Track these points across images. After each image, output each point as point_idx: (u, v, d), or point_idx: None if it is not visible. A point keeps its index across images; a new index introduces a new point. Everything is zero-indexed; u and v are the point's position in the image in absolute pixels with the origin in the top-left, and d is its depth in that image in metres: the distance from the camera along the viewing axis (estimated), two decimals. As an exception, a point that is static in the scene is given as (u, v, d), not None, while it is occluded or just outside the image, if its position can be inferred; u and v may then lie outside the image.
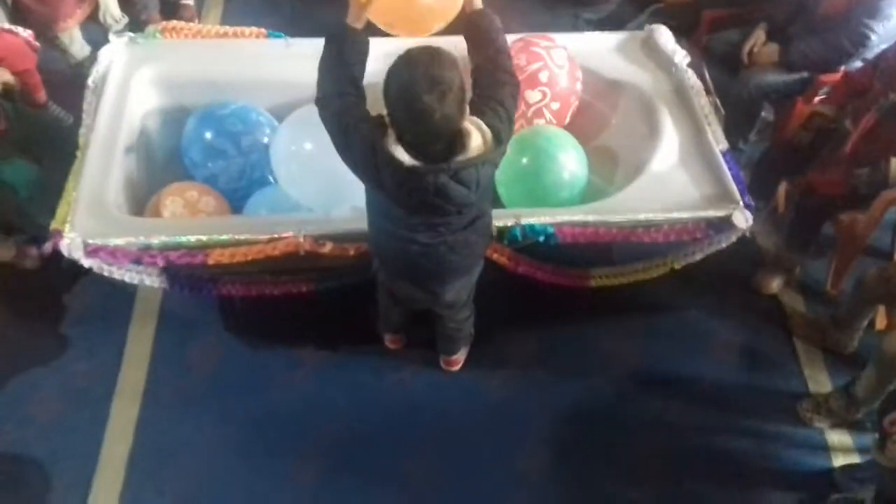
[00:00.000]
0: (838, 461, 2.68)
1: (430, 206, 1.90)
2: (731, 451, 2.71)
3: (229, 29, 3.09)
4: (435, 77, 1.72)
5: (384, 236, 2.16)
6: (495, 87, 1.97)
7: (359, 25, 2.01)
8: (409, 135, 1.80)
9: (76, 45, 3.61)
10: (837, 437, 2.74)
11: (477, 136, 1.84)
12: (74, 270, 2.65)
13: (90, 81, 2.82)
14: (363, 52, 2.01)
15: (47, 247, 2.82)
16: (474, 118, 1.87)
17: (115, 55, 2.91)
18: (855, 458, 2.68)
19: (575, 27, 4.14)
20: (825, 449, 2.72)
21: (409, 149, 1.80)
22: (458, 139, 1.82)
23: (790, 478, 2.66)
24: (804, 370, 2.92)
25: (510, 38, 2.85)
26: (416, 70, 1.73)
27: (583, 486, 2.61)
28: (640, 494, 2.60)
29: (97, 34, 3.71)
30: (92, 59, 3.55)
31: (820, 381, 2.90)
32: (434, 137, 1.79)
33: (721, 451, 2.71)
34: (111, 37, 2.97)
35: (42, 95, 3.37)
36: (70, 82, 3.54)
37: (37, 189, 2.82)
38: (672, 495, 2.61)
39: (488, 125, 1.86)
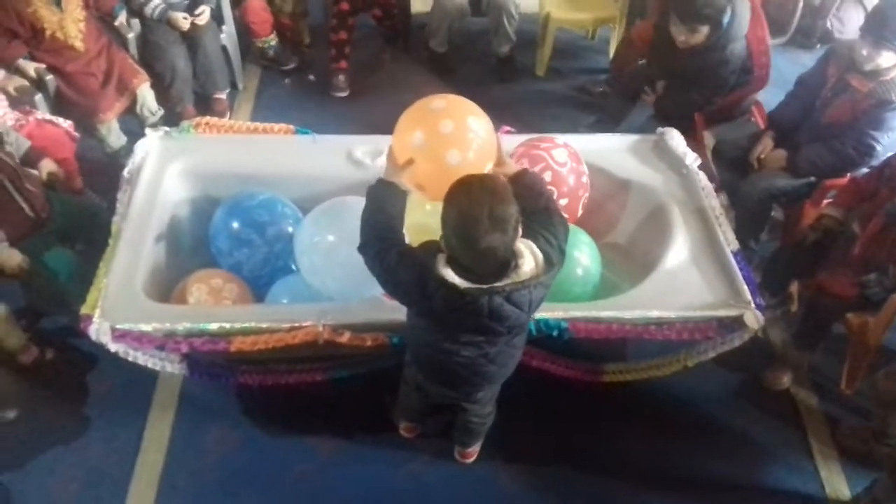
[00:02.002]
0: (856, 566, 2.64)
1: (482, 328, 1.95)
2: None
3: (259, 125, 3.24)
4: (498, 217, 1.78)
5: (425, 348, 2.21)
6: (549, 225, 2.05)
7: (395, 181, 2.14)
8: (464, 259, 1.85)
9: (113, 135, 3.79)
10: (855, 543, 2.70)
11: (529, 258, 1.89)
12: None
13: (126, 172, 2.95)
14: (401, 203, 2.12)
15: (49, 354, 3.01)
16: (527, 241, 1.93)
17: (150, 148, 3.06)
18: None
19: (583, 127, 4.26)
20: (843, 553, 2.69)
21: (461, 271, 1.86)
22: (512, 262, 1.88)
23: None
24: (820, 471, 2.89)
25: (512, 140, 3.01)
26: (479, 210, 1.78)
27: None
28: None
29: (133, 125, 3.89)
30: (128, 148, 3.74)
31: (836, 483, 2.87)
32: (489, 264, 1.86)
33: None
34: (147, 130, 3.12)
35: (79, 182, 3.53)
36: (105, 170, 3.70)
37: (75, 275, 2.91)
38: None
39: (540, 248, 1.93)
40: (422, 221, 2.61)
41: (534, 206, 2.07)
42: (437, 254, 1.90)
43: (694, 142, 3.57)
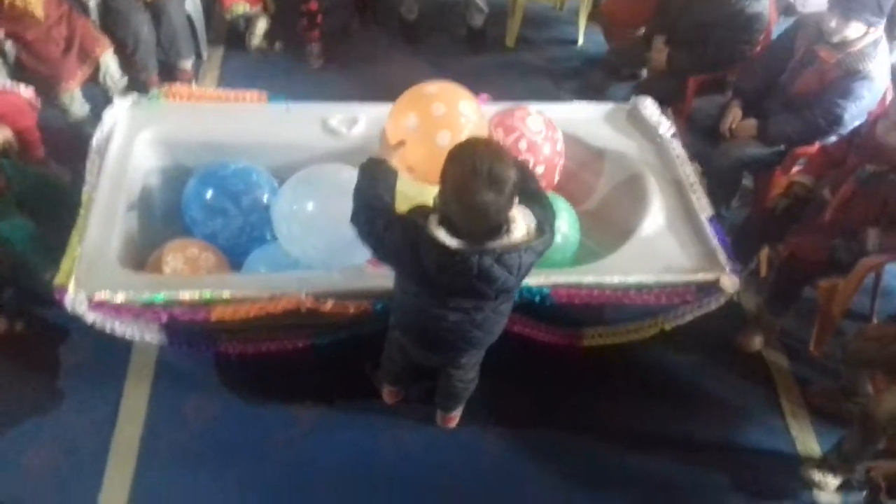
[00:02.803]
0: (828, 520, 2.73)
1: (471, 290, 1.96)
2: (723, 511, 2.76)
3: (231, 93, 3.18)
4: (496, 176, 1.80)
5: (412, 314, 2.23)
6: (542, 207, 2.13)
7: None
8: (458, 219, 1.87)
9: (76, 104, 3.67)
10: (828, 497, 2.78)
11: (522, 224, 1.94)
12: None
13: (94, 141, 2.87)
14: (391, 178, 2.18)
15: (18, 326, 2.96)
16: (522, 208, 1.98)
17: (119, 116, 2.98)
18: (845, 517, 2.73)
19: (556, 97, 4.29)
20: (815, 508, 2.78)
21: (453, 231, 1.88)
22: (504, 225, 1.91)
23: (781, 536, 2.70)
24: (791, 429, 2.98)
25: (490, 110, 3.01)
26: (481, 166, 1.80)
27: (576, 546, 2.64)
28: (634, 554, 2.63)
29: (96, 93, 3.78)
30: (91, 117, 3.66)
31: (807, 441, 2.96)
32: (483, 224, 1.88)
33: (713, 512, 2.75)
34: (115, 98, 3.04)
35: (40, 152, 3.42)
36: (68, 140, 3.61)
37: (33, 245, 2.84)
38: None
39: (533, 216, 1.99)
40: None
41: (526, 189, 2.12)
42: (429, 215, 1.94)
43: (680, 107, 3.63)
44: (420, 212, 2.00)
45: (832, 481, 2.76)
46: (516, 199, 1.92)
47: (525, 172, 2.23)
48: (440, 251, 1.88)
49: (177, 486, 2.62)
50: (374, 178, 2.14)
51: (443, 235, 1.88)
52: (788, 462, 2.88)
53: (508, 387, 2.96)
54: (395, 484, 2.70)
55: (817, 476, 2.77)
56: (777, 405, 3.06)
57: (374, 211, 2.05)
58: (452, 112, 2.37)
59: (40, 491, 2.57)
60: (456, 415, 2.83)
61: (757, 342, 3.21)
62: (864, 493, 2.51)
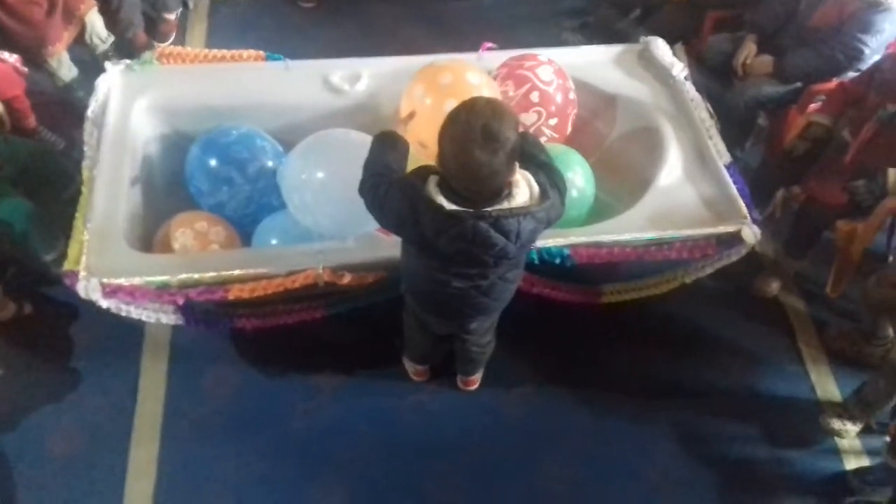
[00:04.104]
0: (850, 465, 2.76)
1: (467, 255, 1.91)
2: (744, 458, 2.78)
3: (227, 52, 3.06)
4: (493, 132, 1.73)
5: (418, 278, 2.19)
6: (552, 177, 2.03)
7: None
8: (455, 180, 1.81)
9: (64, 67, 3.54)
10: (848, 442, 2.81)
11: (525, 189, 1.87)
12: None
13: (90, 112, 2.77)
14: (402, 149, 2.14)
15: (27, 308, 2.90)
16: (525, 172, 1.90)
17: (113, 84, 2.87)
18: (866, 461, 2.76)
19: (560, 41, 4.14)
20: (837, 453, 2.80)
21: (452, 195, 1.82)
22: (504, 189, 1.85)
23: (804, 482, 2.74)
24: (810, 374, 2.99)
25: (496, 58, 2.90)
26: (476, 121, 1.74)
27: (602, 500, 2.66)
28: (660, 506, 2.67)
29: (84, 55, 3.64)
30: (80, 80, 3.54)
31: (826, 386, 2.97)
32: (478, 186, 1.80)
33: (735, 459, 2.78)
34: (107, 65, 2.91)
35: (31, 121, 3.30)
36: (59, 106, 3.52)
37: (32, 224, 2.77)
38: (690, 504, 2.68)
39: (537, 182, 1.91)
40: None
41: (537, 161, 2.07)
42: (428, 176, 1.89)
43: (693, 44, 3.49)
44: (422, 172, 1.93)
45: (851, 428, 2.78)
46: (517, 164, 1.85)
47: (530, 139, 2.16)
48: (435, 213, 1.83)
49: (202, 461, 2.63)
50: (384, 148, 2.10)
51: (440, 197, 1.83)
52: (809, 408, 2.90)
53: (528, 346, 2.95)
54: (420, 448, 2.72)
55: (837, 424, 2.78)
56: (796, 351, 3.06)
57: (379, 178, 2.00)
58: (460, 81, 2.36)
59: (66, 476, 2.57)
60: (476, 378, 2.82)
61: (774, 287, 3.18)
62: (886, 439, 2.52)
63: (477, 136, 1.72)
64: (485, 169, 1.75)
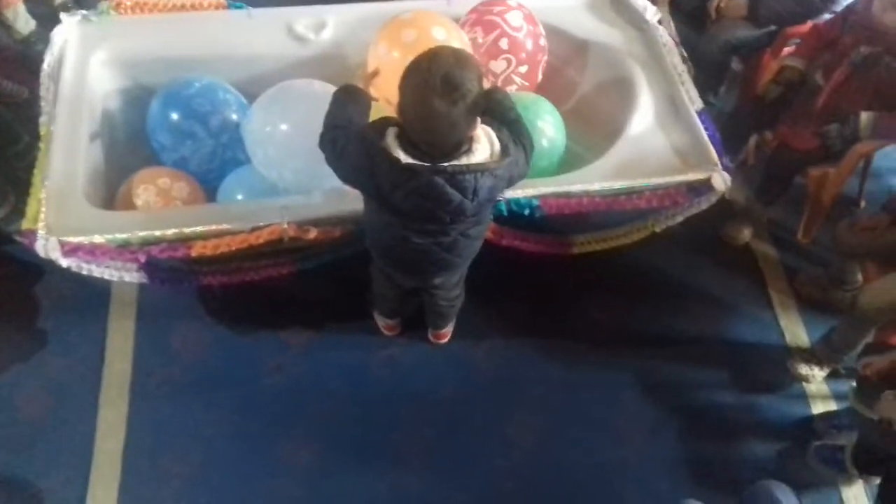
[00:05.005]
0: (817, 409, 2.80)
1: (423, 210, 1.88)
2: (712, 404, 2.82)
3: (187, 1, 2.96)
4: (454, 81, 1.68)
5: (379, 233, 2.16)
6: (519, 135, 1.99)
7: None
8: (413, 132, 1.77)
9: (21, 20, 3.43)
10: (815, 387, 2.84)
11: (486, 145, 1.83)
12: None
13: (45, 66, 2.67)
14: (363, 104, 2.10)
15: None
16: (487, 128, 1.86)
17: (69, 36, 2.77)
18: (833, 406, 2.80)
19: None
20: (804, 398, 2.83)
21: (411, 148, 1.78)
22: (464, 145, 1.80)
23: (772, 427, 2.77)
24: (780, 321, 3.01)
25: (465, 4, 2.84)
26: (437, 69, 1.69)
27: (572, 449, 2.68)
28: (629, 453, 2.69)
29: (42, 7, 3.54)
30: (38, 33, 3.43)
31: (795, 331, 2.99)
32: (437, 139, 1.76)
33: (703, 405, 2.81)
34: (62, 16, 2.81)
35: (-9, 74, 3.22)
36: (17, 58, 3.43)
37: None
38: (659, 453, 2.70)
39: (498, 139, 1.86)
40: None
41: (504, 118, 2.01)
42: (387, 128, 1.84)
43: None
44: (380, 124, 1.88)
45: (819, 373, 2.81)
46: (478, 119, 1.81)
47: (498, 95, 2.10)
48: (392, 166, 1.79)
49: (172, 419, 2.62)
50: (345, 102, 2.06)
51: (397, 150, 1.79)
52: (778, 353, 2.93)
53: (499, 298, 2.94)
54: (391, 401, 2.72)
55: (804, 369, 2.81)
56: (766, 297, 3.08)
57: (338, 130, 1.96)
58: (424, 38, 2.31)
59: (34, 436, 2.55)
60: (447, 331, 2.82)
61: (745, 234, 3.18)
62: (853, 384, 2.55)
63: (437, 84, 1.67)
64: (443, 120, 1.70)
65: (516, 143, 1.94)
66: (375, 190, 1.88)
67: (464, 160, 1.80)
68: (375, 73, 2.31)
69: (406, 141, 1.79)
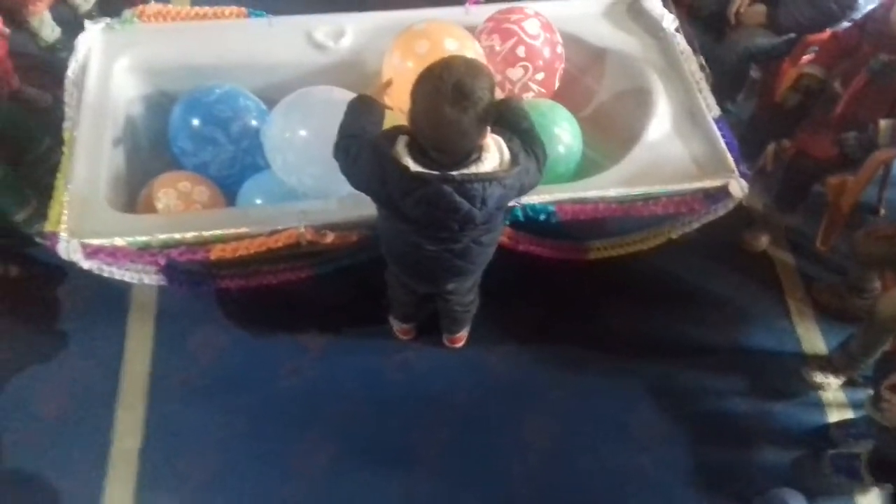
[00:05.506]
0: (833, 417, 2.78)
1: (432, 219, 1.90)
2: (729, 411, 2.81)
3: (208, 10, 3.00)
4: (465, 90, 1.69)
5: (392, 240, 2.20)
6: (532, 144, 2.00)
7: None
8: (424, 139, 1.79)
9: (46, 27, 3.48)
10: (832, 394, 2.83)
11: (495, 154, 1.84)
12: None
13: (70, 73, 2.72)
14: (377, 114, 2.12)
15: (13, 271, 2.91)
16: (498, 137, 1.87)
17: (93, 43, 2.82)
18: (849, 414, 2.77)
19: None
20: (820, 406, 2.81)
21: (421, 157, 1.80)
22: (474, 153, 1.82)
23: (787, 435, 2.76)
24: (797, 329, 3.00)
25: (483, 12, 2.85)
26: (449, 77, 1.70)
27: (586, 454, 2.69)
28: (644, 459, 2.68)
29: (67, 15, 3.59)
30: (63, 41, 3.49)
31: (812, 340, 2.97)
32: (447, 147, 1.78)
33: (719, 413, 2.80)
34: (86, 24, 2.86)
35: (15, 82, 3.29)
36: (42, 65, 3.49)
37: (3, 187, 2.78)
38: (674, 460, 2.69)
39: (508, 148, 1.87)
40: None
41: (516, 127, 2.03)
42: (398, 136, 1.86)
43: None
44: (392, 133, 1.90)
45: (834, 381, 2.79)
46: (488, 128, 1.81)
47: (513, 105, 2.12)
48: (402, 174, 1.81)
49: (189, 421, 2.65)
50: (359, 112, 2.09)
51: (406, 158, 1.80)
52: (794, 361, 2.92)
53: (514, 303, 2.95)
54: (406, 405, 2.74)
55: (819, 377, 2.80)
56: (783, 305, 3.07)
57: (352, 140, 1.98)
58: (437, 48, 2.33)
59: (54, 436, 2.59)
60: (462, 335, 2.83)
61: (763, 241, 3.17)
62: (869, 392, 2.52)
63: (448, 92, 1.69)
64: (454, 127, 1.71)
65: (528, 153, 1.95)
66: (387, 198, 1.90)
67: (473, 169, 1.81)
68: (389, 83, 2.34)
69: (416, 149, 1.81)
